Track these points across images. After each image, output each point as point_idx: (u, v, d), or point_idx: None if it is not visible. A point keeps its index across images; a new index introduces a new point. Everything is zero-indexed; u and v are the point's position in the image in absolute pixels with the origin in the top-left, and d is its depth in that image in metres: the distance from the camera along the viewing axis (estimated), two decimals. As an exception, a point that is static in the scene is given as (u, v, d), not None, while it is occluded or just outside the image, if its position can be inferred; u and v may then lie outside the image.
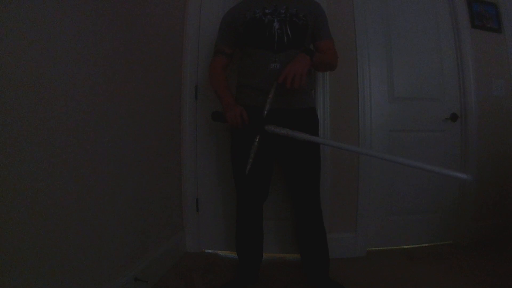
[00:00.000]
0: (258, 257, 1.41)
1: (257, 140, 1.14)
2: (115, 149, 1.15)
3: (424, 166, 0.94)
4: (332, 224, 1.68)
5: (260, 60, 1.26)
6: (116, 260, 1.15)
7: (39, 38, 0.80)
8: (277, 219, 1.74)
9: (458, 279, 1.43)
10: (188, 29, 1.75)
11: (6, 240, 0.72)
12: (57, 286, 0.87)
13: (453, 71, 1.85)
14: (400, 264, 1.62)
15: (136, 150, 1.29)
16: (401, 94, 1.81)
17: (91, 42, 1.01)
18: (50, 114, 0.84)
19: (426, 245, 1.84)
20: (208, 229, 1.79)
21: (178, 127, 1.73)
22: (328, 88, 1.72)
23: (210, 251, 1.79)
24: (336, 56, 1.36)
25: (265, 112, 1.15)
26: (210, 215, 1.79)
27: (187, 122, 1.75)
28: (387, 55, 1.81)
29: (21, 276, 0.76)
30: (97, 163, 1.04)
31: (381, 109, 1.79)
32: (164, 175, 1.56)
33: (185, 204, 1.76)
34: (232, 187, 1.69)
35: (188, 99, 1.75)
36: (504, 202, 1.90)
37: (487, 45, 1.88)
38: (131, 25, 1.24)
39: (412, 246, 1.83)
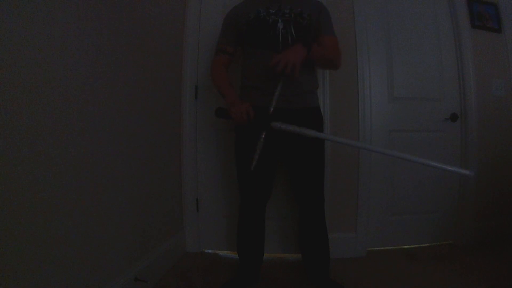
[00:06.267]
0: (259, 257, 1.41)
1: (263, 136, 1.13)
2: (115, 149, 1.15)
3: (429, 162, 0.96)
4: (332, 224, 1.68)
5: (264, 60, 1.25)
6: (116, 260, 1.15)
7: (39, 38, 0.80)
8: (278, 218, 1.74)
9: (458, 279, 1.43)
10: (188, 29, 1.75)
11: (6, 240, 0.72)
12: (57, 286, 0.87)
13: (453, 71, 1.85)
14: (400, 264, 1.62)
15: (136, 150, 1.28)
16: (401, 94, 1.81)
17: (91, 42, 1.01)
18: (49, 114, 0.84)
19: (426, 245, 1.84)
20: (208, 229, 1.79)
21: (178, 127, 1.73)
22: (328, 88, 1.72)
23: (210, 251, 1.79)
24: (339, 54, 1.33)
25: (271, 108, 1.15)
26: (210, 215, 1.79)
27: (187, 122, 1.75)
28: (387, 55, 1.81)
29: (21, 276, 0.76)
30: (97, 163, 1.04)
31: (381, 109, 1.79)
32: (164, 175, 1.56)
33: (185, 204, 1.76)
34: (232, 187, 1.70)
35: (188, 99, 1.75)
36: (504, 202, 1.90)
37: (487, 45, 1.88)
38: (131, 25, 1.24)
39: (412, 246, 1.83)
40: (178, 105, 1.72)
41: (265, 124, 1.14)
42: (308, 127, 1.11)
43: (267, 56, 1.25)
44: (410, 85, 1.82)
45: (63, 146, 0.89)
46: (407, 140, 1.81)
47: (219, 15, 1.68)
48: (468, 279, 1.42)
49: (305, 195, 1.32)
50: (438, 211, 1.86)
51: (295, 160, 1.31)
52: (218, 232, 1.79)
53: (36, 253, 0.80)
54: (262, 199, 1.34)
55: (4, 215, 0.71)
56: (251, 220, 1.36)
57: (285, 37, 1.25)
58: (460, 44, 1.83)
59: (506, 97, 1.91)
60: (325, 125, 1.68)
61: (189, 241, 1.77)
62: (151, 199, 1.42)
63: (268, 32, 1.26)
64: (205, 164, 1.79)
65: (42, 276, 0.82)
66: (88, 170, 1.00)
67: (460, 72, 1.85)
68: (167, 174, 1.59)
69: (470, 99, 1.82)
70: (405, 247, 1.82)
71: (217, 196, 1.79)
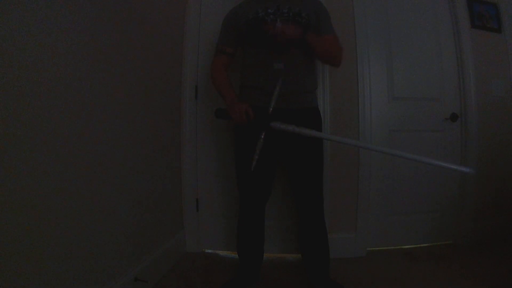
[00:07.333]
0: (259, 257, 1.41)
1: (262, 136, 1.14)
2: (115, 149, 1.15)
3: (428, 160, 0.95)
4: (332, 224, 1.68)
5: (264, 60, 1.26)
6: (116, 260, 1.15)
7: (39, 38, 0.80)
8: (278, 218, 1.74)
9: (458, 279, 1.43)
10: (188, 29, 1.75)
11: (6, 241, 0.72)
12: (57, 286, 0.87)
13: (453, 71, 1.85)
14: (400, 264, 1.62)
15: (136, 150, 1.28)
16: (401, 94, 1.81)
17: (91, 42, 1.01)
18: (49, 114, 0.84)
19: (426, 245, 1.84)
20: (208, 229, 1.79)
21: (178, 127, 1.73)
22: (328, 88, 1.72)
23: (210, 251, 1.79)
24: (340, 49, 1.32)
25: (271, 108, 1.15)
26: (210, 215, 1.79)
27: (187, 122, 1.75)
28: (387, 55, 1.81)
29: (21, 276, 0.76)
30: (97, 163, 1.04)
31: (381, 109, 1.79)
32: (164, 175, 1.56)
33: (185, 204, 1.76)
34: (232, 187, 1.69)
35: (188, 99, 1.75)
36: (504, 202, 1.90)
37: (487, 45, 1.88)
38: (131, 25, 1.24)
39: (412, 246, 1.83)
40: (178, 105, 1.72)
41: (265, 124, 1.14)
42: (307, 127, 1.11)
43: (266, 55, 1.25)
44: (410, 85, 1.82)
45: (63, 145, 0.89)
46: (407, 140, 1.80)
47: (219, 15, 1.67)
48: (468, 279, 1.42)
49: (304, 195, 1.32)
50: (438, 211, 1.86)
51: (294, 160, 1.31)
52: (218, 232, 1.79)
53: (36, 253, 0.80)
54: (261, 199, 1.34)
55: (4, 215, 0.71)
56: (251, 220, 1.36)
57: None
58: (460, 44, 1.83)
59: (506, 97, 1.91)
60: (325, 125, 1.68)
61: (189, 241, 1.77)
62: (151, 199, 1.42)
63: (267, 32, 1.26)
64: (205, 164, 1.79)
65: (42, 276, 0.82)
66: (88, 170, 1.00)
67: (460, 72, 1.85)
68: (167, 174, 1.59)
69: (470, 99, 1.82)
70: (405, 247, 1.82)
71: (217, 196, 1.79)
